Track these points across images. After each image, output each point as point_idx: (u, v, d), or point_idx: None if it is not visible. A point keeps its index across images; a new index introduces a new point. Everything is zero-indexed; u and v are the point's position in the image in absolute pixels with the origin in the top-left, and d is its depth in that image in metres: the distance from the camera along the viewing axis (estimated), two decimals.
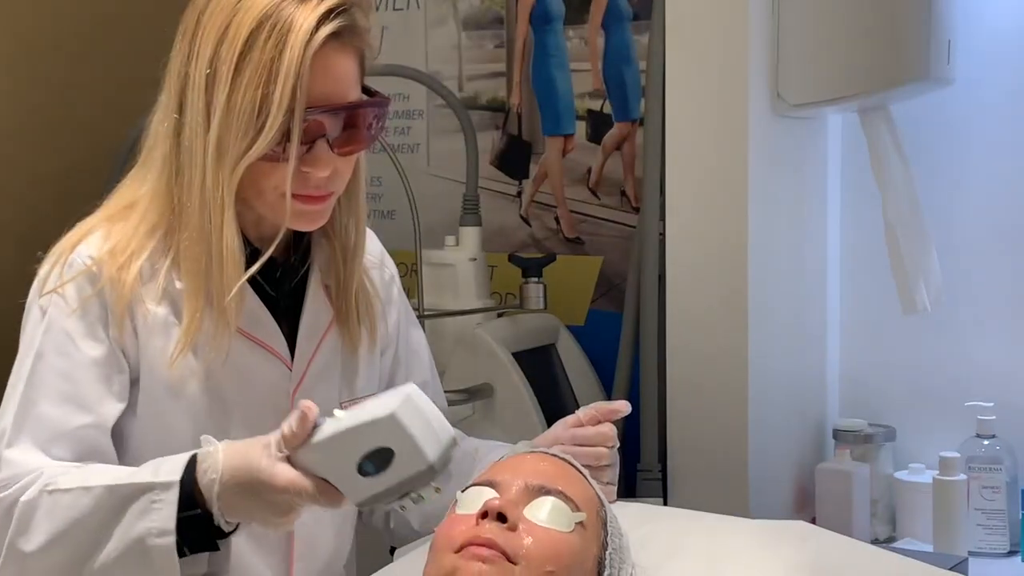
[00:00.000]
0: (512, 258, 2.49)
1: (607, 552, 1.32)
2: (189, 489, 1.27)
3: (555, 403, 2.44)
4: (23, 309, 1.48)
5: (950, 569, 1.62)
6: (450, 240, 2.54)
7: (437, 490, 1.19)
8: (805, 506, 2.19)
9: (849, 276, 2.31)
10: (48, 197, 2.64)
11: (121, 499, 1.29)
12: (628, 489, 2.31)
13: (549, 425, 2.30)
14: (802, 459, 2.23)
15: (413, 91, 2.79)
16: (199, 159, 1.38)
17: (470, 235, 2.52)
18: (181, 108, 1.40)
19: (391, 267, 1.68)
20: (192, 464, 1.29)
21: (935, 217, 2.11)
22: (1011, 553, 2.08)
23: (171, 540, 1.27)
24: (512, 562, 1.23)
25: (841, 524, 2.00)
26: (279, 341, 1.49)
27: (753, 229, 2.06)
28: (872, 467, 2.16)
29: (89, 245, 1.43)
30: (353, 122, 1.41)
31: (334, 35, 1.37)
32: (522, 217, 2.70)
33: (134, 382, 1.43)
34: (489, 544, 1.23)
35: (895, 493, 2.19)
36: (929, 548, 2.03)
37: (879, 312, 2.25)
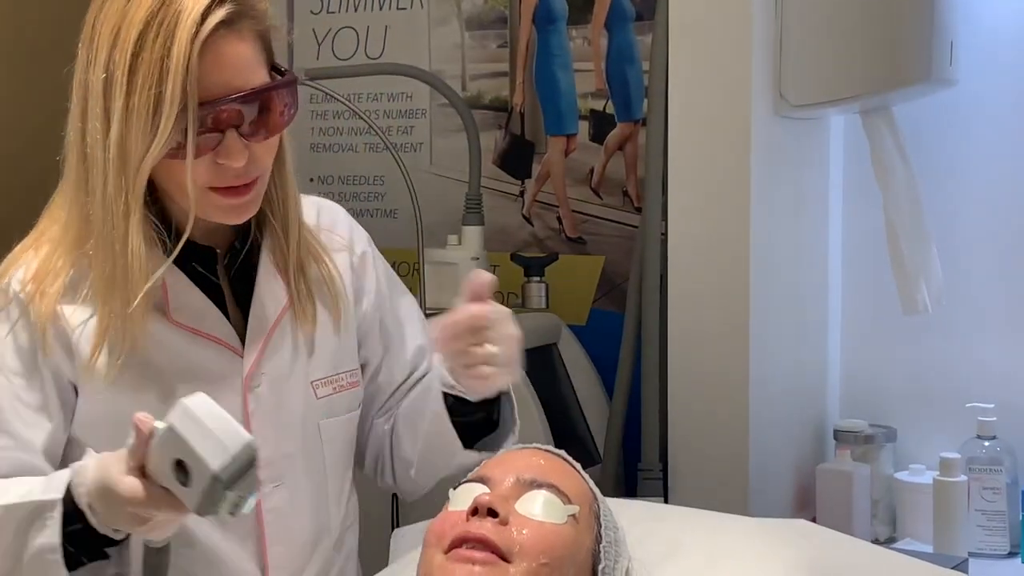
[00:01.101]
0: (514, 257, 2.50)
1: (601, 545, 1.33)
2: (72, 505, 1.30)
3: (557, 402, 2.44)
4: None
5: (950, 570, 1.62)
6: (452, 239, 2.54)
7: (241, 499, 1.18)
8: (805, 506, 2.19)
9: (850, 276, 2.32)
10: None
11: (19, 518, 1.33)
12: (629, 488, 2.32)
13: (552, 426, 2.32)
14: (802, 459, 2.23)
15: (416, 90, 2.79)
16: (100, 165, 1.37)
17: (472, 234, 2.53)
18: (84, 115, 1.39)
19: (362, 243, 1.66)
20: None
21: (936, 218, 2.11)
22: (1011, 554, 2.09)
23: (58, 556, 1.30)
24: (506, 559, 1.23)
25: (841, 524, 2.00)
26: (224, 330, 1.48)
27: (755, 229, 2.06)
28: (873, 468, 2.16)
29: (21, 269, 1.44)
30: (262, 107, 1.38)
31: (224, 23, 1.34)
32: (524, 217, 2.70)
33: (75, 391, 1.44)
34: (481, 540, 1.23)
35: (895, 494, 2.19)
36: (929, 549, 2.03)
37: (880, 312, 2.26)
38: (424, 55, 2.78)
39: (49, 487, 1.32)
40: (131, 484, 1.23)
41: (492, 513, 1.26)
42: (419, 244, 2.41)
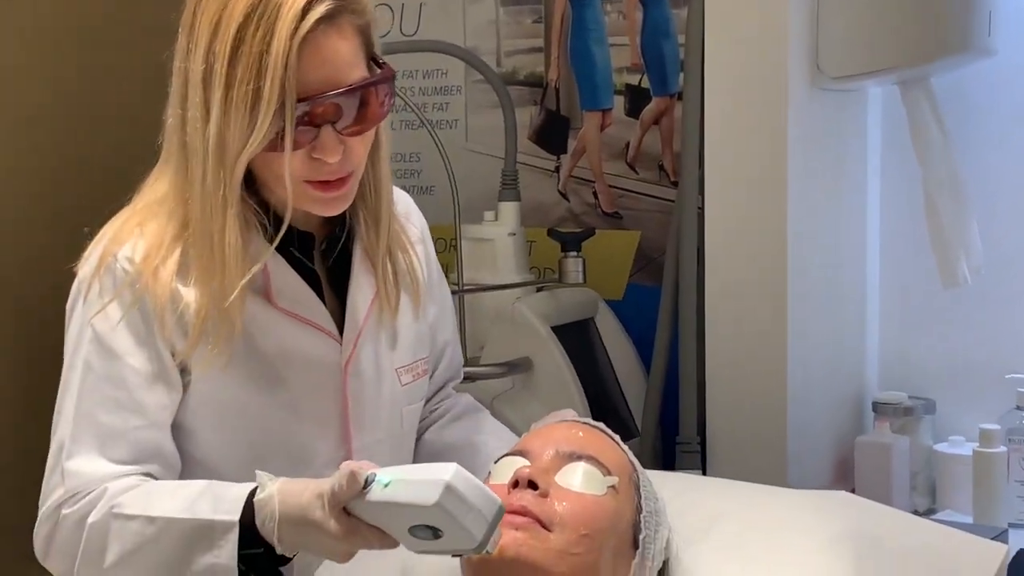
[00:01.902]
0: (551, 232, 2.50)
1: (642, 515, 1.34)
2: (248, 527, 1.31)
3: (594, 377, 2.45)
4: (68, 285, 1.50)
5: (990, 540, 1.62)
6: (489, 215, 2.55)
7: (488, 552, 1.21)
8: (844, 479, 2.19)
9: (889, 249, 2.31)
10: (95, 180, 2.68)
11: (184, 534, 1.33)
12: (666, 462, 2.32)
13: (589, 400, 2.33)
14: (841, 432, 2.23)
15: (451, 67, 2.80)
16: (200, 156, 1.37)
17: (509, 210, 2.53)
18: (183, 103, 1.39)
19: (427, 231, 1.68)
20: (250, 502, 1.31)
21: (975, 189, 2.10)
22: None
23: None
24: (547, 528, 1.25)
25: (880, 496, 2.00)
26: (324, 317, 1.49)
27: (792, 202, 2.06)
28: (912, 440, 2.16)
29: (126, 248, 1.43)
30: (359, 102, 1.37)
31: (324, 18, 1.33)
32: (560, 192, 2.71)
33: (185, 372, 1.45)
34: (522, 512, 1.25)
35: (935, 465, 2.19)
36: (969, 520, 2.03)
37: (919, 285, 2.25)
38: (459, 32, 2.78)
39: (217, 507, 1.32)
40: (344, 525, 1.24)
41: (532, 485, 1.27)
42: (456, 220, 2.42)
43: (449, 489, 1.17)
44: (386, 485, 1.21)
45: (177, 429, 1.45)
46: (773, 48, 2.04)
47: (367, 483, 1.22)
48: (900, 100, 2.11)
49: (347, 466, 1.23)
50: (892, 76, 2.09)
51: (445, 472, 1.18)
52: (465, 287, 2.43)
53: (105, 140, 2.71)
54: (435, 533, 1.19)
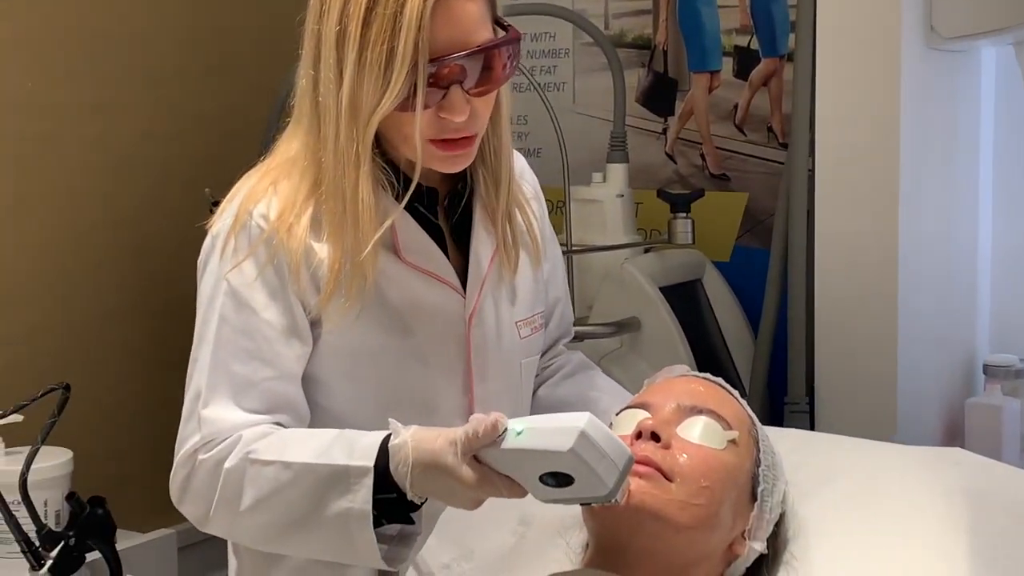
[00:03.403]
0: (660, 193, 2.52)
1: (760, 468, 1.36)
2: (381, 472, 1.34)
3: (701, 338, 2.47)
4: (192, 239, 1.55)
5: None
6: (597, 177, 2.57)
7: (616, 502, 1.23)
8: (954, 441, 2.19)
9: (1001, 210, 2.29)
10: (212, 138, 2.75)
11: (320, 479, 1.37)
12: (775, 421, 2.34)
13: (697, 360, 2.35)
14: (951, 394, 2.23)
15: (559, 30, 2.82)
16: (333, 115, 1.41)
17: (617, 171, 2.55)
18: (316, 64, 1.43)
19: (539, 190, 1.71)
20: (383, 449, 1.35)
21: None
22: None
23: (368, 521, 1.35)
24: (669, 479, 1.28)
25: (991, 458, 2.00)
26: (448, 271, 1.53)
27: (904, 164, 2.05)
28: (1023, 402, 2.15)
29: (260, 205, 1.47)
30: (485, 64, 1.41)
31: None
32: (667, 154, 2.72)
33: (316, 324, 1.49)
34: (645, 461, 1.28)
35: None
36: None
37: None
38: None
39: (352, 453, 1.36)
40: (476, 472, 1.27)
41: (655, 437, 1.30)
42: (565, 182, 2.44)
43: (584, 436, 1.20)
44: (519, 433, 1.24)
45: (308, 380, 1.50)
46: (886, 8, 2.03)
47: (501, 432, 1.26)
48: (1014, 60, 2.09)
49: (480, 416, 1.26)
50: (1008, 36, 2.06)
51: (579, 420, 1.21)
52: (574, 248, 2.46)
53: (223, 103, 2.78)
54: (565, 481, 1.22)
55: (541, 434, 1.23)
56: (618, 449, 1.22)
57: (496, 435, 1.25)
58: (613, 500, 1.22)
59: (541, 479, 1.23)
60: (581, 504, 1.29)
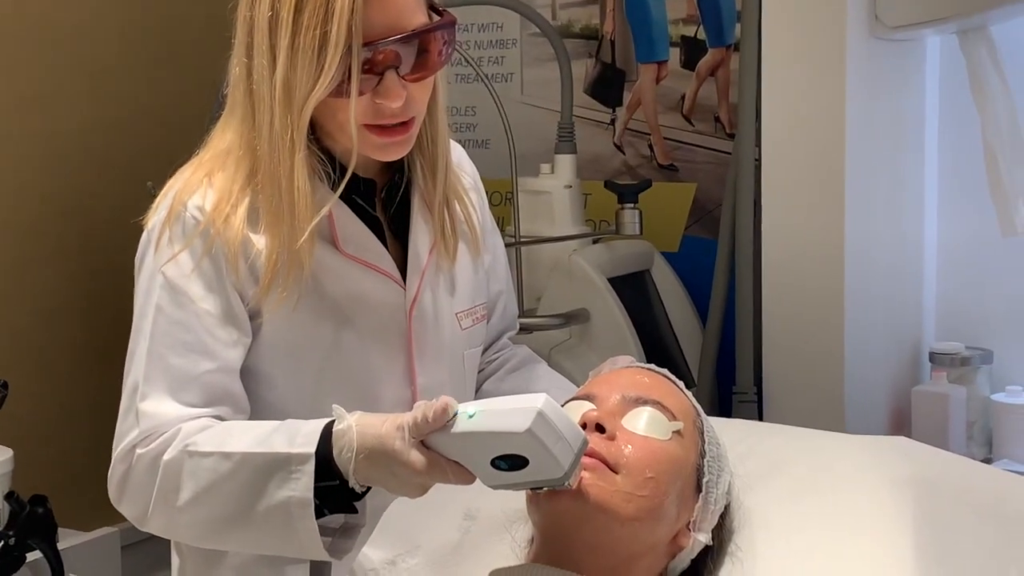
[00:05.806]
0: (608, 184, 2.52)
1: (705, 459, 1.36)
2: (324, 459, 1.32)
3: (650, 327, 2.47)
4: (135, 235, 1.52)
5: None
6: (545, 168, 2.57)
7: (568, 486, 1.22)
8: (901, 429, 2.20)
9: (947, 198, 2.31)
10: (156, 131, 2.72)
11: (259, 468, 1.35)
12: (723, 411, 2.34)
13: (645, 350, 2.35)
14: (898, 382, 2.24)
15: (507, 20, 2.81)
16: (267, 102, 1.39)
17: (565, 162, 2.55)
18: (249, 51, 1.41)
19: (479, 180, 1.70)
20: (326, 435, 1.33)
21: None
22: None
23: (310, 509, 1.33)
24: (613, 471, 1.27)
25: (937, 446, 1.99)
26: (387, 262, 1.52)
27: (850, 154, 2.06)
28: (969, 389, 2.17)
29: (195, 197, 1.46)
30: (420, 48, 1.40)
31: None
32: (616, 145, 2.72)
33: (255, 316, 1.47)
34: (590, 453, 1.27)
35: (992, 415, 2.19)
36: None
37: (977, 234, 2.25)
38: None
39: (293, 440, 1.34)
40: (424, 457, 1.25)
41: (600, 428, 1.29)
42: (513, 173, 2.43)
43: (541, 416, 1.18)
44: (471, 416, 1.22)
45: (248, 373, 1.48)
46: None
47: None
48: (958, 50, 2.11)
49: (426, 402, 1.25)
50: (951, 25, 2.08)
51: (536, 400, 1.20)
52: (522, 239, 2.45)
53: (168, 94, 2.75)
54: (518, 464, 1.20)
55: (496, 415, 1.22)
56: (573, 431, 1.21)
57: (446, 419, 1.23)
58: (566, 484, 1.21)
59: (493, 463, 1.21)
60: (532, 489, 1.27)
